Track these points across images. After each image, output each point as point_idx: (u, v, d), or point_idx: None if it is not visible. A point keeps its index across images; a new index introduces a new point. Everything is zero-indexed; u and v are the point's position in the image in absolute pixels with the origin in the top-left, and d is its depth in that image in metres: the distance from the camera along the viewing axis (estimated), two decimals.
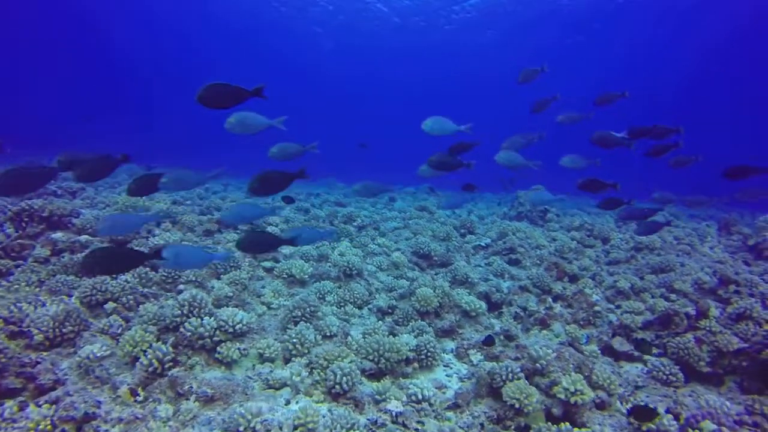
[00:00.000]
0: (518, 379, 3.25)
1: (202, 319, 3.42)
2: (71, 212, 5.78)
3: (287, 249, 5.77)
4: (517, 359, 3.77)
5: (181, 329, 3.38)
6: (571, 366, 3.52)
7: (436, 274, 6.05)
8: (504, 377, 3.29)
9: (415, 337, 4.05)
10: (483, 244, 7.18)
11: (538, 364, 3.43)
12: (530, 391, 3.04)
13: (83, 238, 5.37)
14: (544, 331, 4.49)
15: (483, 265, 6.48)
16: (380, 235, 7.04)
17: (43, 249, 5.19)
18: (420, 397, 3.21)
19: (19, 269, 4.80)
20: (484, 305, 4.72)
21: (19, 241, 5.18)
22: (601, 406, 3.23)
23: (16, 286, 4.36)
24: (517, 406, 2.98)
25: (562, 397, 3.11)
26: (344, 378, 3.04)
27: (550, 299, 4.96)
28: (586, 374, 3.48)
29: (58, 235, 5.32)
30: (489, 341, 3.99)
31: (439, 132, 4.50)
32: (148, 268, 4.80)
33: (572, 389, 3.10)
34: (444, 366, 4.03)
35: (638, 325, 4.47)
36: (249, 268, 5.18)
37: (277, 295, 4.71)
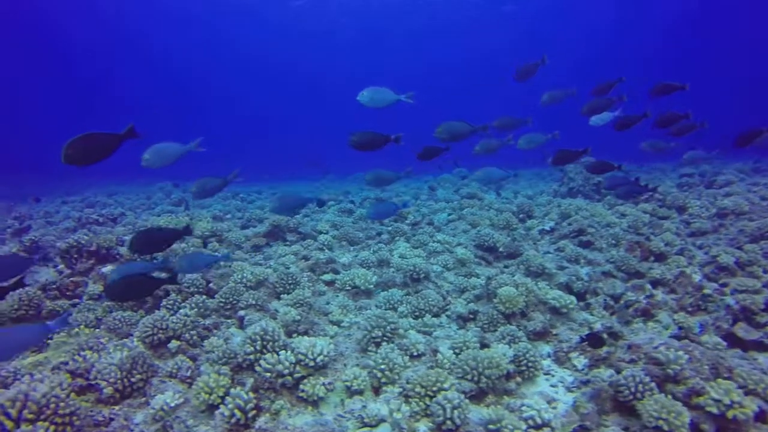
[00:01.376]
0: (652, 391, 2.76)
1: (278, 354, 3.06)
2: (117, 241, 5.57)
3: (345, 257, 5.39)
4: (633, 362, 3.28)
5: (258, 368, 3.03)
6: (706, 367, 3.00)
7: (505, 267, 5.57)
8: (633, 390, 2.80)
9: (510, 345, 3.60)
10: (547, 228, 6.63)
11: (669, 370, 2.93)
12: (677, 408, 2.55)
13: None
14: (650, 323, 3.96)
15: (552, 251, 5.95)
16: (436, 231, 6.59)
17: (96, 285, 4.97)
18: (539, 420, 2.77)
19: (76, 308, 4.60)
20: (574, 299, 4.22)
21: (71, 279, 4.98)
22: (761, 417, 2.71)
23: (76, 330, 4.12)
24: (665, 428, 2.50)
25: (714, 410, 2.61)
26: (455, 412, 2.62)
27: (649, 285, 4.41)
28: (726, 375, 2.96)
29: (107, 268, 5.10)
30: (595, 341, 3.50)
31: (379, 103, 4.18)
32: (204, 296, 4.51)
33: (726, 401, 2.59)
34: (544, 374, 3.58)
35: (760, 306, 3.89)
36: (309, 283, 4.83)
37: (345, 312, 4.34)
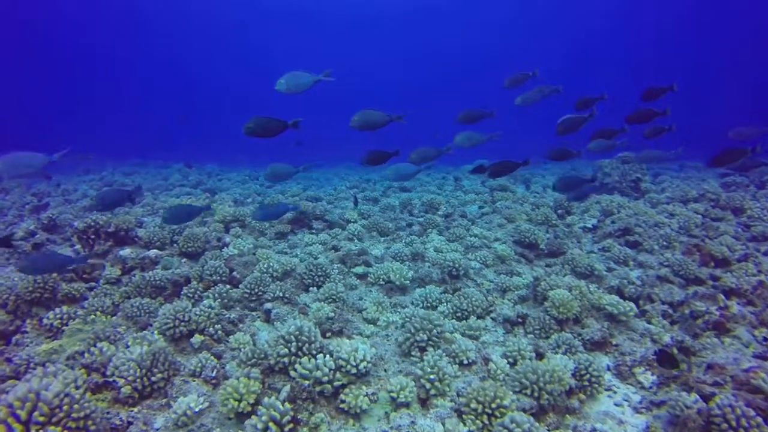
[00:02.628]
0: (761, 429, 2.36)
1: (315, 359, 2.72)
2: (136, 223, 5.28)
3: (377, 250, 5.03)
4: (717, 385, 2.88)
5: (293, 373, 2.69)
6: None
7: (547, 266, 5.16)
8: (735, 425, 2.40)
9: (568, 356, 3.22)
10: (589, 225, 6.19)
11: None
12: None
13: (152, 253, 4.83)
14: (726, 339, 3.54)
15: (597, 251, 5.52)
16: (470, 223, 6.19)
17: (113, 268, 4.69)
18: None
19: (93, 292, 4.32)
20: (633, 306, 3.81)
21: (89, 261, 4.70)
22: None
23: (93, 316, 3.84)
24: None
25: None
26: None
27: (722, 296, 3.97)
28: None
29: (126, 251, 4.81)
30: (668, 362, 3.10)
31: (297, 88, 3.94)
32: (228, 286, 4.20)
33: None
34: (606, 390, 3.20)
35: None
36: (340, 276, 4.48)
37: (380, 309, 3.98)
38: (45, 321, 3.75)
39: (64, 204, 8.47)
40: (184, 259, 4.82)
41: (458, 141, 4.92)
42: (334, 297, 3.98)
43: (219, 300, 4.01)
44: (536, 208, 6.71)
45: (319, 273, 4.40)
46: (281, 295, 4.13)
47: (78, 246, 5.00)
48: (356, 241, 5.40)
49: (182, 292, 4.24)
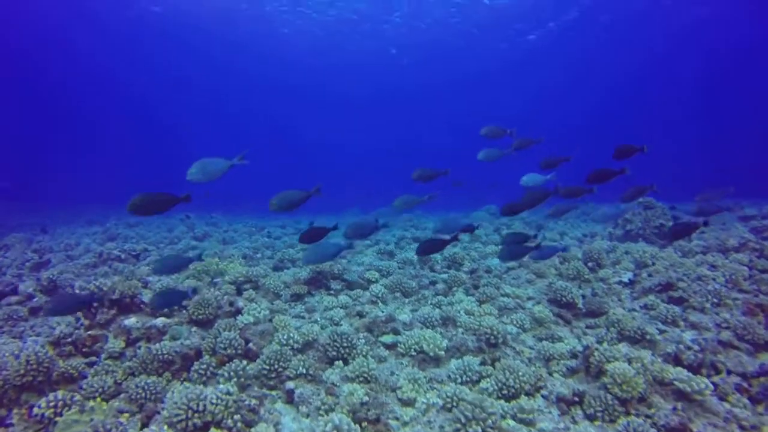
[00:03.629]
0: None
1: None
2: (141, 284, 4.90)
3: (404, 315, 4.62)
4: None
5: None
6: None
7: (587, 327, 4.73)
8: None
9: None
10: (625, 279, 5.78)
11: None
12: None
13: (159, 321, 4.42)
14: None
15: (639, 309, 5.09)
16: (498, 279, 5.79)
17: (117, 340, 4.27)
18: None
19: (93, 370, 3.88)
20: (709, 384, 3.35)
21: (89, 332, 4.28)
22: None
23: (92, 403, 3.38)
24: None
25: None
26: None
27: None
28: None
29: (131, 320, 4.39)
30: None
31: (210, 176, 3.77)
32: (245, 361, 3.76)
33: None
34: None
35: None
36: (367, 347, 4.05)
37: (417, 386, 3.53)
38: (35, 411, 3.29)
39: (66, 261, 8.10)
40: (194, 328, 4.40)
41: (396, 203, 5.22)
42: (365, 376, 3.54)
43: (235, 379, 3.57)
44: (565, 261, 6.33)
45: (345, 344, 3.97)
46: (304, 371, 3.68)
47: (80, 316, 4.59)
48: (380, 304, 4.99)
49: (193, 368, 3.80)
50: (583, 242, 9.11)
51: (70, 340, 4.23)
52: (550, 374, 3.79)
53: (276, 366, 3.72)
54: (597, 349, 3.69)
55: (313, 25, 26.31)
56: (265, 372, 3.70)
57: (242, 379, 3.61)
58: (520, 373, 3.56)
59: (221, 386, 3.18)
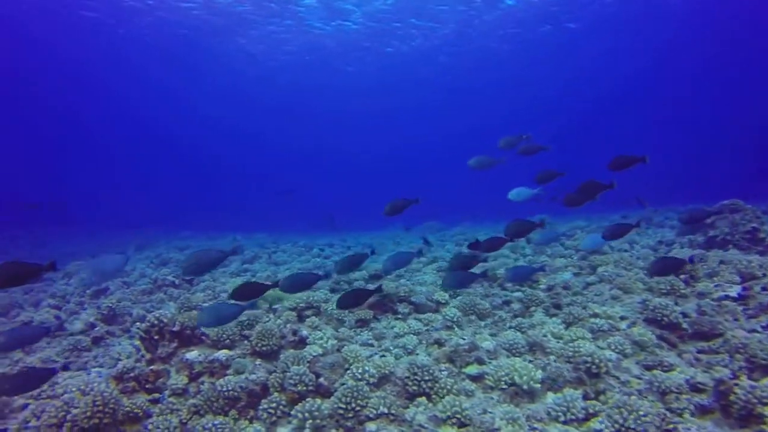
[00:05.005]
0: None
1: None
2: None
3: (487, 342, 4.14)
4: None
5: None
6: None
7: (700, 352, 4.09)
8: None
9: None
10: (733, 294, 5.07)
11: None
12: None
13: (222, 355, 4.14)
14: None
15: (761, 329, 4.39)
16: (578, 296, 5.22)
17: (179, 375, 4.02)
18: None
19: (158, 408, 3.63)
20: None
21: (152, 367, 4.06)
22: None
23: None
24: None
25: None
26: None
27: None
28: None
29: (193, 354, 4.14)
30: None
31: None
32: (318, 400, 3.40)
33: None
34: None
35: None
36: (450, 380, 3.60)
37: (517, 429, 3.04)
38: None
39: (123, 287, 8.11)
40: (258, 361, 4.09)
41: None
42: (459, 417, 3.09)
43: (311, 421, 3.20)
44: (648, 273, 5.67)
45: (426, 377, 3.54)
46: (385, 410, 3.28)
47: (141, 347, 4.39)
48: (456, 329, 4.53)
49: (261, 407, 3.48)
50: (657, 250, 8.31)
51: (132, 375, 4.02)
52: (678, 414, 3.20)
53: (353, 404, 3.33)
54: (738, 385, 3.09)
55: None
56: (341, 411, 3.32)
57: (317, 420, 3.24)
58: (641, 412, 3.01)
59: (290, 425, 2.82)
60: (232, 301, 3.73)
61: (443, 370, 3.69)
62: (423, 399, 3.42)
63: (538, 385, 3.48)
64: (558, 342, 4.12)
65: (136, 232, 18.77)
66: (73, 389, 4.07)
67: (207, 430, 3.27)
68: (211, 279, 7.51)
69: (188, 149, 53.69)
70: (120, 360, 4.87)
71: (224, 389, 3.64)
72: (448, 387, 3.49)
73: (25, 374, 3.10)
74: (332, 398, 3.42)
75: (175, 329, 4.23)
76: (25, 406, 3.99)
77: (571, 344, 3.90)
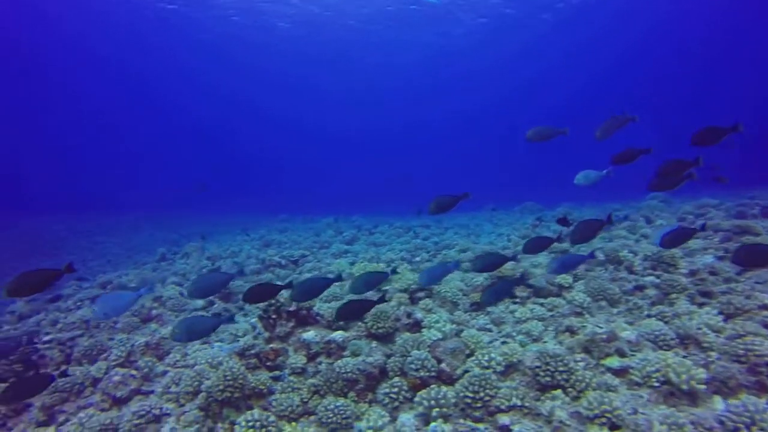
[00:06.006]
0: None
1: None
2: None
3: (627, 332, 3.66)
4: None
5: None
6: None
7: None
8: None
9: None
10: None
11: None
12: None
13: (338, 336, 4.10)
14: None
15: None
16: (733, 282, 4.47)
17: (298, 355, 4.04)
18: None
19: (279, 386, 3.67)
20: None
21: (271, 346, 4.13)
22: None
23: (288, 428, 3.11)
24: None
25: None
26: None
27: None
28: None
29: (309, 334, 4.15)
30: None
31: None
32: (444, 388, 3.19)
33: None
34: None
35: None
36: (590, 372, 3.20)
37: None
38: (237, 429, 3.12)
39: (233, 267, 8.57)
40: (374, 343, 3.99)
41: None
42: (609, 416, 2.71)
43: (437, 409, 3.01)
44: None
45: (560, 368, 3.18)
46: (519, 402, 2.99)
47: (259, 326, 4.51)
48: (586, 315, 4.08)
49: (382, 391, 3.37)
50: None
51: (253, 352, 4.12)
52: None
53: (481, 394, 3.08)
54: None
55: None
56: (468, 400, 3.09)
57: (444, 409, 3.04)
58: None
59: (434, 425, 2.63)
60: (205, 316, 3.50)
61: (579, 361, 3.30)
62: (558, 392, 3.08)
63: (702, 387, 2.96)
64: (718, 337, 3.51)
65: (240, 215, 20.03)
66: (202, 361, 4.30)
67: (329, 412, 3.22)
68: (316, 260, 7.65)
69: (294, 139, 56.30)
70: (238, 337, 5.08)
71: (342, 370, 3.58)
72: (587, 380, 3.11)
73: (25, 381, 3.12)
74: (457, 386, 3.20)
75: (291, 309, 4.27)
76: (165, 373, 4.29)
77: (738, 340, 3.29)
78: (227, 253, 10.03)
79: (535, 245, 3.64)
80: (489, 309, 4.48)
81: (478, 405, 3.07)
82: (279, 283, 3.62)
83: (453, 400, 3.11)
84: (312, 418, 3.36)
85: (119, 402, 3.90)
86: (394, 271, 3.70)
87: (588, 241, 3.62)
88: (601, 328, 3.68)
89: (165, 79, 36.60)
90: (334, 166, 54.76)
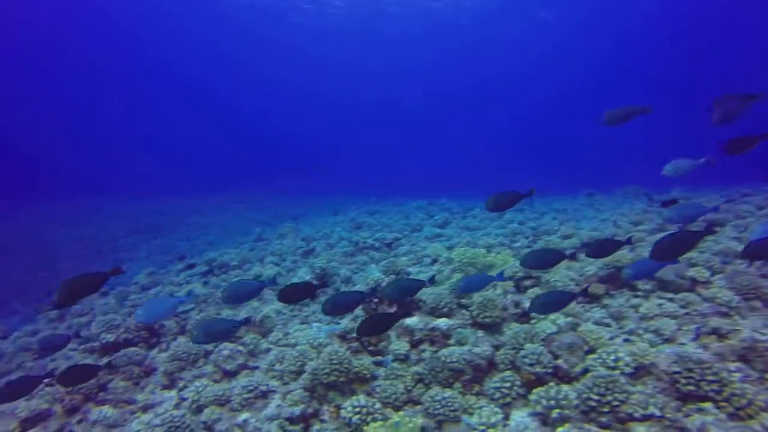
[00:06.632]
0: None
1: None
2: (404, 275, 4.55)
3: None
4: None
5: None
6: None
7: None
8: None
9: None
10: None
11: None
12: None
13: (442, 323, 3.94)
14: None
15: None
16: None
17: (400, 341, 3.95)
18: None
19: (383, 372, 3.62)
20: None
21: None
22: None
23: (396, 417, 3.03)
24: None
25: None
26: None
27: None
28: None
29: (413, 320, 4.04)
30: None
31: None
32: (564, 387, 2.91)
33: None
34: None
35: None
36: (753, 386, 2.72)
37: None
38: (343, 414, 3.10)
39: (327, 249, 8.75)
40: (480, 333, 3.78)
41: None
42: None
43: (557, 410, 2.75)
44: None
45: (708, 377, 2.73)
46: (657, 412, 2.62)
47: (360, 309, 4.50)
48: (736, 317, 3.51)
49: (493, 385, 3.16)
50: None
51: (355, 336, 4.12)
52: None
53: (608, 397, 2.75)
54: None
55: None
56: (593, 403, 2.78)
57: (565, 411, 2.76)
58: None
59: (561, 431, 2.38)
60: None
61: (733, 371, 2.82)
62: (708, 404, 2.65)
63: None
64: None
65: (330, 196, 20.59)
66: (303, 342, 4.37)
67: (435, 401, 3.09)
68: (410, 244, 7.55)
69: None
70: (336, 320, 5.13)
71: (448, 360, 3.42)
72: (749, 396, 2.64)
73: (16, 382, 3.15)
74: (579, 386, 2.90)
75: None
76: (268, 350, 4.44)
77: None
78: (320, 234, 10.30)
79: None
80: (606, 302, 4.05)
81: (605, 410, 2.75)
82: (315, 282, 3.54)
83: (575, 402, 2.82)
84: (417, 407, 3.25)
85: (228, 374, 4.10)
86: (431, 280, 3.44)
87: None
88: (764, 334, 3.12)
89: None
90: (416, 148, 54.52)
